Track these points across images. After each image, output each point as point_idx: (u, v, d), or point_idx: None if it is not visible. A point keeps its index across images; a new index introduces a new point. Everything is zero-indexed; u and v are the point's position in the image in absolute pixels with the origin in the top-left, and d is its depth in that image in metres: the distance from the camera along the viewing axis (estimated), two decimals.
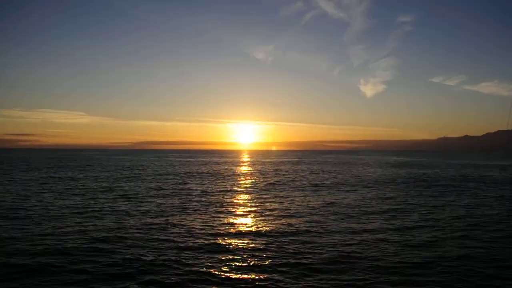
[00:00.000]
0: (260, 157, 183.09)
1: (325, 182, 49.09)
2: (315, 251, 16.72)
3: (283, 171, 72.97)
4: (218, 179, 53.83)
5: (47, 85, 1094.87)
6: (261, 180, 51.61)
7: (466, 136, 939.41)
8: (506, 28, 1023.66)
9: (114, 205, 28.96)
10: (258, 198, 33.57)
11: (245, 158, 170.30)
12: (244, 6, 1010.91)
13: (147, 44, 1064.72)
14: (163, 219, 23.43)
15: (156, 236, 18.97)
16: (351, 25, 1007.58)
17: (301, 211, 26.82)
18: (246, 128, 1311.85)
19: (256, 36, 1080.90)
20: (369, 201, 32.14)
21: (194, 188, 41.44)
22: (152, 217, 24.07)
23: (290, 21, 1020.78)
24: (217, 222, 22.77)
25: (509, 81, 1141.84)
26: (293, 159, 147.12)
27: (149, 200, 32.03)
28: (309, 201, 31.32)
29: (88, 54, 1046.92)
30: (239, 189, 41.84)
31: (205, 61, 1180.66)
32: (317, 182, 48.74)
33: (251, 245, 17.43)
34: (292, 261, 15.20)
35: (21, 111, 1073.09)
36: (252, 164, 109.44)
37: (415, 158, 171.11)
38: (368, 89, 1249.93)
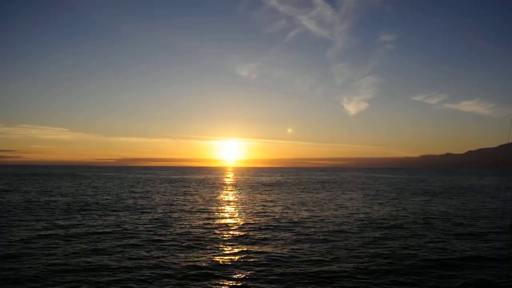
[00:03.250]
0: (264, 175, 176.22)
1: None
2: None
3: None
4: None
5: (28, 101, 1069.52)
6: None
7: (448, 154, 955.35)
8: (487, 47, 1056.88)
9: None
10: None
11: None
12: (228, 24, 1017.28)
13: (130, 61, 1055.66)
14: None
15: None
16: (334, 44, 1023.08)
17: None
18: (230, 145, 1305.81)
19: (240, 54, 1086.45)
20: None
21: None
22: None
23: (274, 39, 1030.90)
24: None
25: (489, 100, 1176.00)
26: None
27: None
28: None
29: (70, 69, 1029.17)
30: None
31: (189, 78, 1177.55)
32: None
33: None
34: None
35: (2, 127, 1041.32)
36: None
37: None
38: (352, 107, 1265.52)
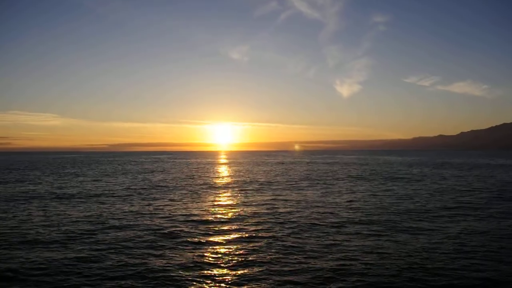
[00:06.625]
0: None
1: None
2: None
3: None
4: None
5: (18, 87, 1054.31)
6: None
7: (440, 136, 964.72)
8: (478, 29, 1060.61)
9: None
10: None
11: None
12: (218, 7, 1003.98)
13: (122, 45, 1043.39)
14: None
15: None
16: (326, 25, 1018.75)
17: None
18: (223, 129, 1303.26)
19: (232, 37, 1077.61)
20: None
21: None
22: None
23: (265, 21, 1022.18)
24: None
25: (481, 81, 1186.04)
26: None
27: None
28: None
29: (60, 55, 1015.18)
30: None
31: (181, 62, 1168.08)
32: None
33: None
34: None
35: None
36: None
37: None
38: (344, 90, 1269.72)
